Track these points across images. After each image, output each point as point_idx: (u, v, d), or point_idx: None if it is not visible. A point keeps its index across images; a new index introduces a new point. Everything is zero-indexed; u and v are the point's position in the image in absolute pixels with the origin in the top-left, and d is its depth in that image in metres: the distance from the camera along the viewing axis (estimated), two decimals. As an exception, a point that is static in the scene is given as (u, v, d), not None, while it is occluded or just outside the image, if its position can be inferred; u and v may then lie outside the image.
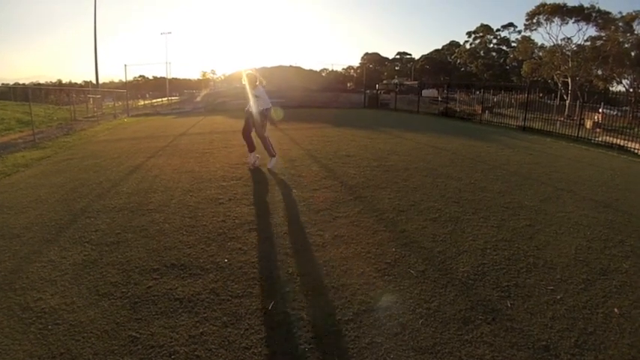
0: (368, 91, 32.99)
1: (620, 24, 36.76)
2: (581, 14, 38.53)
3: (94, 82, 31.73)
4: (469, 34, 70.57)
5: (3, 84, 40.15)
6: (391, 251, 3.62)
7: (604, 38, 37.46)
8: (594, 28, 38.58)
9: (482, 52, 68.35)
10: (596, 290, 3.08)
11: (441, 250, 3.67)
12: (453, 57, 73.55)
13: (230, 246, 3.67)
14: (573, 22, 39.28)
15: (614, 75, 38.23)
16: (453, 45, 75.22)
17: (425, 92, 34.11)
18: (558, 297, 2.95)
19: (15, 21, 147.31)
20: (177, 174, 6.33)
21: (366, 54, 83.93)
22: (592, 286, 3.14)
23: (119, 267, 3.27)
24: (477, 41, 69.50)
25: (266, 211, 4.59)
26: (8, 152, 9.14)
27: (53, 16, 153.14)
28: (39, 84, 43.99)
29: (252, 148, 6.74)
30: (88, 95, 28.08)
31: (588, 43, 38.65)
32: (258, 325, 2.53)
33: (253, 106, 6.51)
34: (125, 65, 55.92)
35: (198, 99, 37.61)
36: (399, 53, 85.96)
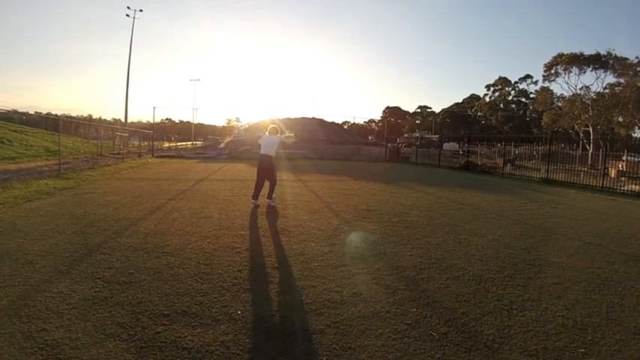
0: (389, 145, 33.39)
1: (638, 69, 36.84)
2: (598, 62, 38.95)
3: (123, 120, 33.28)
4: (488, 87, 71.83)
5: (36, 112, 42.03)
6: (412, 311, 3.53)
7: (623, 84, 37.49)
8: (612, 74, 38.82)
9: (501, 104, 69.03)
10: (632, 351, 2.91)
11: (464, 311, 3.57)
12: (473, 110, 74.54)
13: (244, 297, 3.64)
14: (591, 71, 39.62)
15: (636, 121, 37.80)
16: (473, 98, 76.49)
17: (446, 146, 34.27)
18: (590, 362, 2.80)
19: (55, 56, 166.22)
20: (196, 219, 6.46)
21: (388, 107, 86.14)
22: (626, 347, 2.97)
23: (129, 308, 3.26)
24: (497, 94, 70.45)
25: (283, 264, 4.58)
26: (33, 178, 9.53)
27: (91, 55, 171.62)
28: (70, 116, 45.68)
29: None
30: (116, 132, 29.41)
31: (607, 91, 38.71)
32: (274, 389, 2.47)
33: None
34: (154, 107, 59.70)
35: (222, 145, 38.94)
36: (419, 107, 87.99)
